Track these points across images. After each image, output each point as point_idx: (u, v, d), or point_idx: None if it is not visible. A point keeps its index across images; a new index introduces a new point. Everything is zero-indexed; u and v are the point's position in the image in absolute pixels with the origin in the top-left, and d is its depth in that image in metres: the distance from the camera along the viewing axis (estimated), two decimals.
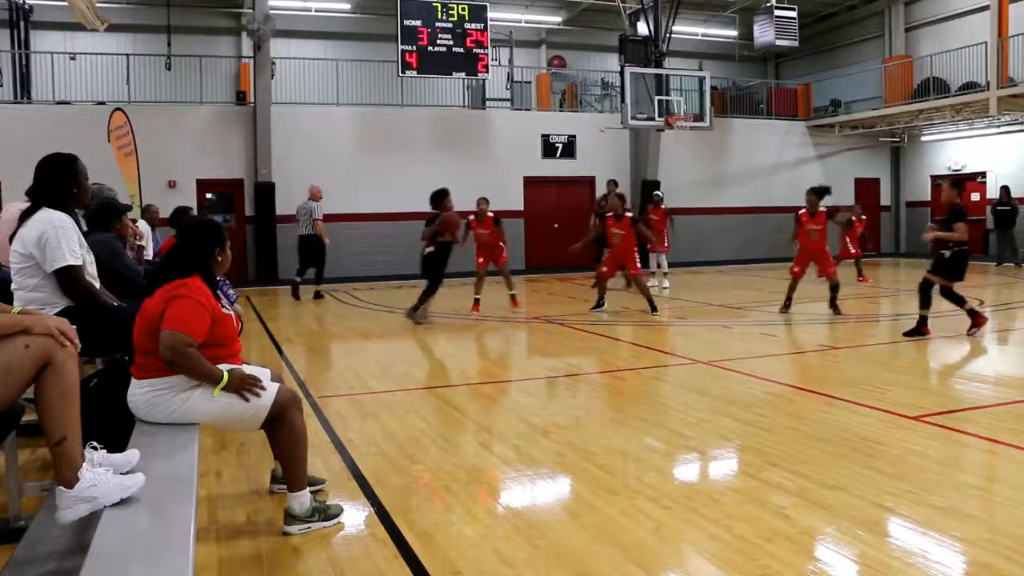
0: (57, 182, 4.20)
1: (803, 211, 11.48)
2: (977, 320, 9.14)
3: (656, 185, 19.77)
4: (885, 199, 25.09)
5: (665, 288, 15.05)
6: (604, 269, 11.95)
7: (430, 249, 10.87)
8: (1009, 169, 21.06)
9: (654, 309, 11.49)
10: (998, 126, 21.29)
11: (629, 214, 11.89)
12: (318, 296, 14.84)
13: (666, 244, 15.54)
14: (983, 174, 22.21)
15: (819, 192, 11.46)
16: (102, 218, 5.43)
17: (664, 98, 19.53)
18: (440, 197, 10.94)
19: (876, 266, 20.14)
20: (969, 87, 20.21)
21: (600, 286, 12.10)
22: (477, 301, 12.15)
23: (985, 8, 19.20)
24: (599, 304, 11.97)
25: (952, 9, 22.09)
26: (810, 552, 3.48)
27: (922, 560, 3.34)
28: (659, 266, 15.68)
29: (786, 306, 11.42)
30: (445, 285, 11.36)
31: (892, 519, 3.83)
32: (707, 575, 3.32)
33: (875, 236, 24.56)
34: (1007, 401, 6.27)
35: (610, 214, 11.89)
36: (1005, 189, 19.87)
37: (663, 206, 15.79)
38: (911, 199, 24.80)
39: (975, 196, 22.61)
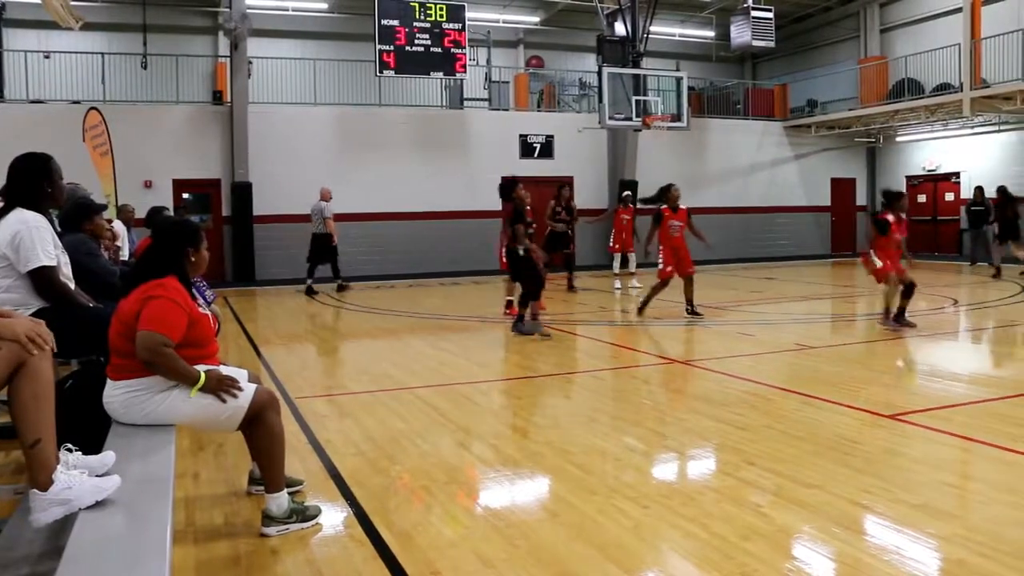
0: (31, 182, 4.15)
1: (889, 216, 9.56)
2: None
3: (633, 185, 19.82)
4: (861, 199, 25.29)
5: (637, 287, 15.06)
6: (668, 269, 10.95)
7: (526, 246, 9.72)
8: (982, 170, 21.31)
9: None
10: (972, 127, 21.56)
11: (684, 207, 11.12)
12: (342, 288, 15.62)
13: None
14: (957, 174, 22.46)
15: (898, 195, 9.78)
16: (76, 218, 5.38)
17: (641, 98, 19.58)
18: (512, 186, 9.79)
19: (852, 265, 20.29)
20: (943, 88, 20.44)
21: (656, 288, 11.19)
22: (511, 303, 11.01)
23: (958, 10, 19.42)
24: (642, 308, 11.26)
25: (926, 11, 22.34)
26: (787, 550, 3.51)
27: (897, 557, 3.38)
28: (624, 265, 15.74)
29: (894, 316, 9.60)
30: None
31: (868, 516, 3.87)
32: (685, 573, 3.34)
33: (851, 236, 24.82)
34: (982, 399, 6.34)
35: (664, 206, 11.21)
36: (979, 189, 20.06)
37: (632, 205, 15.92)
38: None
39: (949, 196, 22.89)
